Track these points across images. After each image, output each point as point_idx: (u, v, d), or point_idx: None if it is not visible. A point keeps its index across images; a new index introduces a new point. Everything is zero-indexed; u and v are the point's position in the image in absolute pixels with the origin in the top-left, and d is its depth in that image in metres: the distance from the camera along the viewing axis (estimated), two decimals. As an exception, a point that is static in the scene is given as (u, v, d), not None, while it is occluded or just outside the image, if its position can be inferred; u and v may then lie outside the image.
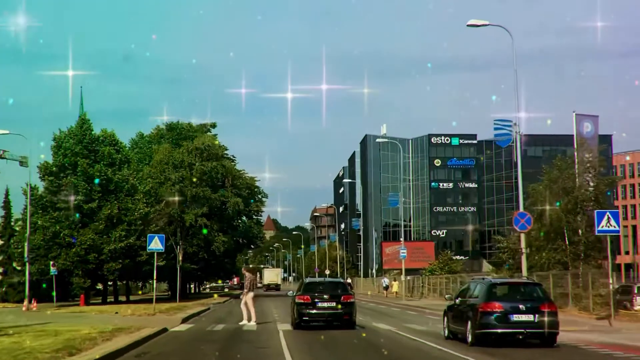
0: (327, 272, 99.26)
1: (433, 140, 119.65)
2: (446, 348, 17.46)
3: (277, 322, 26.66)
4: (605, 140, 76.34)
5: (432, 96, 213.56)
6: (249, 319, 24.99)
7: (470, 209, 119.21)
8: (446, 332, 19.81)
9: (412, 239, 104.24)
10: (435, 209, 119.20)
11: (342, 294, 23.07)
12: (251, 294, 25.38)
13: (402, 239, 52.77)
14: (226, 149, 63.93)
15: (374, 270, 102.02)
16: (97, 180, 44.39)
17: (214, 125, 66.86)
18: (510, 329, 17.02)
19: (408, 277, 59.29)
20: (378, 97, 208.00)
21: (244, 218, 68.10)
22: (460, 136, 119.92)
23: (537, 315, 17.01)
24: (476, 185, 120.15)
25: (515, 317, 17.00)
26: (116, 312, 30.45)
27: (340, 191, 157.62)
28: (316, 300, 22.68)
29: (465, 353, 16.18)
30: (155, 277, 32.13)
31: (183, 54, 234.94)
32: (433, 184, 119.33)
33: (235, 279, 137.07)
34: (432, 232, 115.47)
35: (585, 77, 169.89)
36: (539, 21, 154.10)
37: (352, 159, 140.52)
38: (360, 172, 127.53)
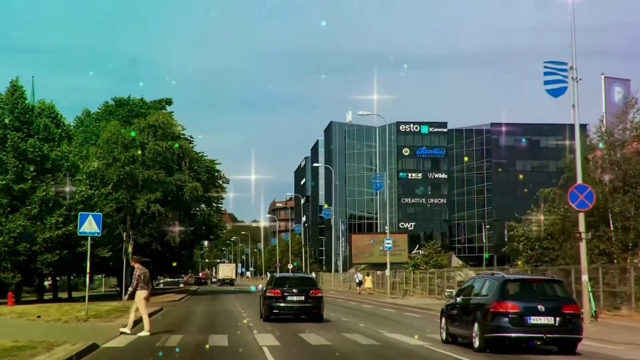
0: (290, 266, 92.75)
1: (401, 128, 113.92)
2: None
3: (253, 331, 19.92)
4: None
5: (396, 91, 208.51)
6: (131, 327, 18.33)
7: (439, 200, 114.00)
8: (444, 334, 17.26)
9: (378, 232, 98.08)
10: (403, 200, 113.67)
11: (311, 288, 24.12)
12: (144, 293, 18.30)
13: (387, 229, 46.59)
14: (184, 128, 57.14)
15: (339, 265, 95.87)
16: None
17: (169, 102, 59.64)
18: (527, 334, 14.49)
19: (381, 272, 53.18)
20: (341, 91, 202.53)
21: (202, 205, 61.27)
22: (430, 124, 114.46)
23: (558, 318, 14.48)
24: (446, 176, 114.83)
25: (533, 320, 14.48)
26: (38, 316, 23.39)
27: (302, 182, 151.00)
28: (286, 294, 23.68)
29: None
30: (89, 270, 25.07)
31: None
32: (401, 174, 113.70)
33: (201, 274, 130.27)
34: (400, 224, 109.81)
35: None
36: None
37: (315, 149, 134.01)
38: (324, 162, 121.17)
